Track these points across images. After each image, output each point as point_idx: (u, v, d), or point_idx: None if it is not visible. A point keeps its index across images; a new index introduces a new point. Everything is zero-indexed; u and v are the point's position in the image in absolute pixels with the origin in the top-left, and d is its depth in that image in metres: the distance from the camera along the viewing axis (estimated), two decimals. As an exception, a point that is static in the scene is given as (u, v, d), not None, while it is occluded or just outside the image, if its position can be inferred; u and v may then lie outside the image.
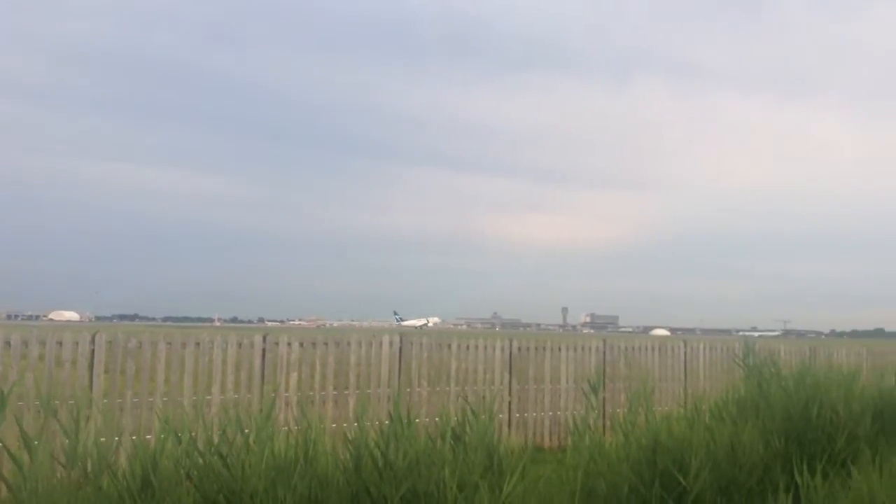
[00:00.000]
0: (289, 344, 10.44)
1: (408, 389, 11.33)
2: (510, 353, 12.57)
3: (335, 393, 10.71)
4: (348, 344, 10.93)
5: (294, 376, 10.39)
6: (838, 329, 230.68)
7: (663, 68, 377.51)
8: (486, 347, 12.33)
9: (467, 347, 12.13)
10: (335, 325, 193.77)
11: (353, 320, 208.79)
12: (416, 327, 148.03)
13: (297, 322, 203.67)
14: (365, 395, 10.34)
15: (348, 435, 5.30)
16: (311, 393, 10.49)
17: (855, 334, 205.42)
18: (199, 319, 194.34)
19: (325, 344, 10.76)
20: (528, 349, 12.90)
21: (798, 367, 6.85)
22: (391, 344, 11.28)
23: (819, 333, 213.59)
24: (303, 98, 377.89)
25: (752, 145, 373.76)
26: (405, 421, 5.02)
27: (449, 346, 11.96)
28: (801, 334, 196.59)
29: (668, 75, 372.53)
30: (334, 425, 10.07)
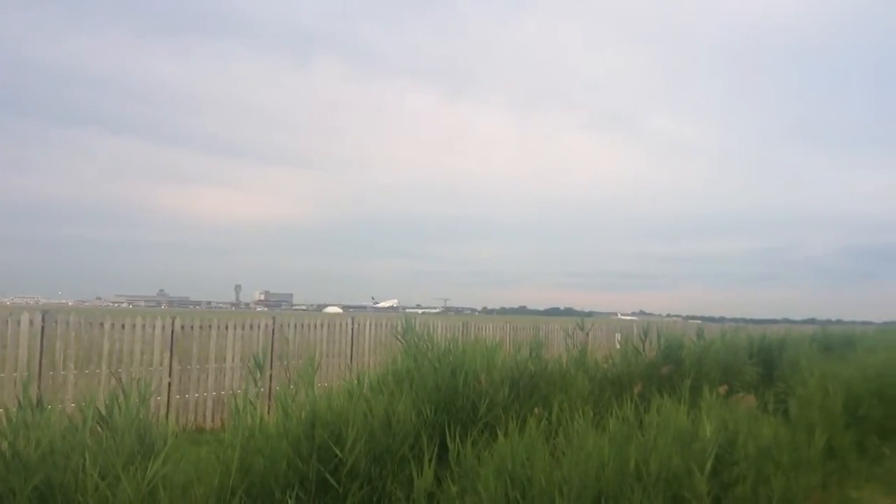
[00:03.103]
0: None
1: (51, 373, 10.25)
2: (172, 332, 11.95)
3: (-42, 379, 9.32)
4: (-23, 323, 9.57)
5: None
6: (490, 306, 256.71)
7: (344, 51, 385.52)
8: (144, 326, 11.58)
9: (122, 326, 11.28)
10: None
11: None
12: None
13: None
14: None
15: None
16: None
17: (503, 311, 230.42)
18: None
19: (-53, 323, 9.30)
20: (192, 328, 12.37)
21: (449, 341, 7.37)
22: (31, 322, 10.08)
23: (473, 310, 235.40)
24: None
25: (424, 134, 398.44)
26: (39, 407, 4.49)
27: (101, 324, 11.01)
28: (458, 311, 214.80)
29: (348, 58, 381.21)
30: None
